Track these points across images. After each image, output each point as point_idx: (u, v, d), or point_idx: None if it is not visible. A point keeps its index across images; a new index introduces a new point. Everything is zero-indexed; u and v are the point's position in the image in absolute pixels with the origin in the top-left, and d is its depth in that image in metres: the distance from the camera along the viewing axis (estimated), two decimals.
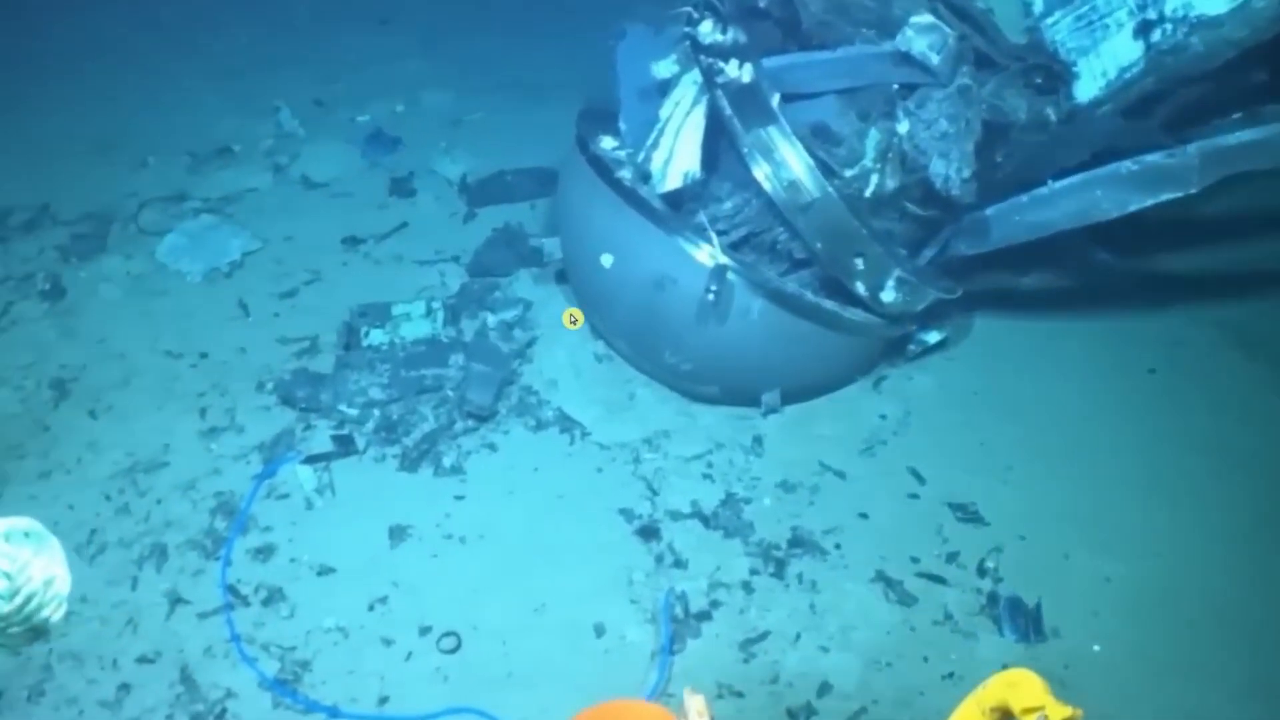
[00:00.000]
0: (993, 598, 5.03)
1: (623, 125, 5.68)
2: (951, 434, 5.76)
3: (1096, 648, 4.91)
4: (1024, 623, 4.95)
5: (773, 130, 4.99)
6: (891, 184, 5.05)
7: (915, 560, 5.20)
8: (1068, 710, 2.92)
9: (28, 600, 2.42)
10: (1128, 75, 5.59)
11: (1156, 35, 5.59)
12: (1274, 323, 6.58)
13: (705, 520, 5.27)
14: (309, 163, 7.08)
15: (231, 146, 7.18)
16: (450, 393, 5.65)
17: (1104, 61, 5.69)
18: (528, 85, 7.83)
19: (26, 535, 2.47)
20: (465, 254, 6.42)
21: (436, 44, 8.30)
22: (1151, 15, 5.60)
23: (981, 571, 5.16)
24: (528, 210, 6.73)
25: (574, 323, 5.80)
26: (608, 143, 5.48)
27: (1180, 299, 6.59)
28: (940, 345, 6.03)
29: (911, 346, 5.88)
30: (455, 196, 6.93)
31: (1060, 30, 5.77)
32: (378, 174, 7.08)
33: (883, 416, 5.78)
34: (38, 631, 2.51)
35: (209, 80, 7.81)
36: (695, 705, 3.62)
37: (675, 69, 5.42)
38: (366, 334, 5.79)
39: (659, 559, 5.09)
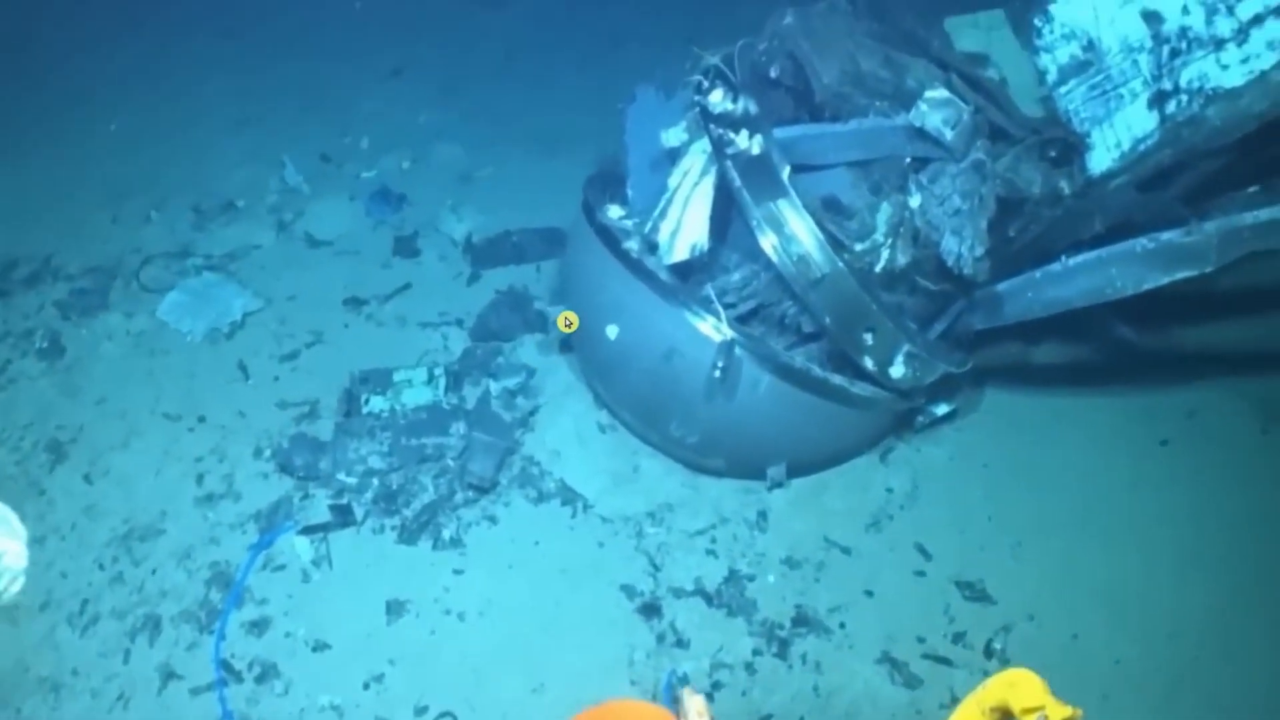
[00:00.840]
0: None
1: (631, 192, 5.60)
2: (960, 508, 5.67)
3: None
4: None
5: (783, 203, 4.92)
6: (903, 259, 4.97)
7: (921, 640, 5.12)
8: (1068, 710, 2.95)
9: None
10: (1142, 147, 5.51)
11: (1172, 106, 5.52)
12: None
13: (708, 598, 5.19)
14: (313, 220, 7.02)
15: (236, 201, 7.13)
16: (451, 462, 5.57)
17: (1118, 132, 5.61)
18: (542, 138, 7.75)
19: None
20: (469, 317, 6.35)
21: (450, 95, 8.24)
22: (1167, 86, 5.53)
23: (989, 653, 5.08)
24: (534, 273, 6.65)
25: (569, 326, 5.60)
26: (615, 211, 5.41)
27: (1190, 370, 6.48)
28: (949, 417, 5.93)
29: (920, 418, 5.78)
30: (460, 257, 6.86)
31: (1074, 99, 5.71)
32: (382, 232, 7.02)
33: (890, 490, 5.69)
34: None
35: (217, 131, 7.76)
36: (695, 705, 3.64)
37: (684, 137, 5.34)
38: (367, 401, 5.72)
39: (660, 638, 5.01)
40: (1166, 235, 4.92)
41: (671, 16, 8.65)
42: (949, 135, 4.88)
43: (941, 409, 5.83)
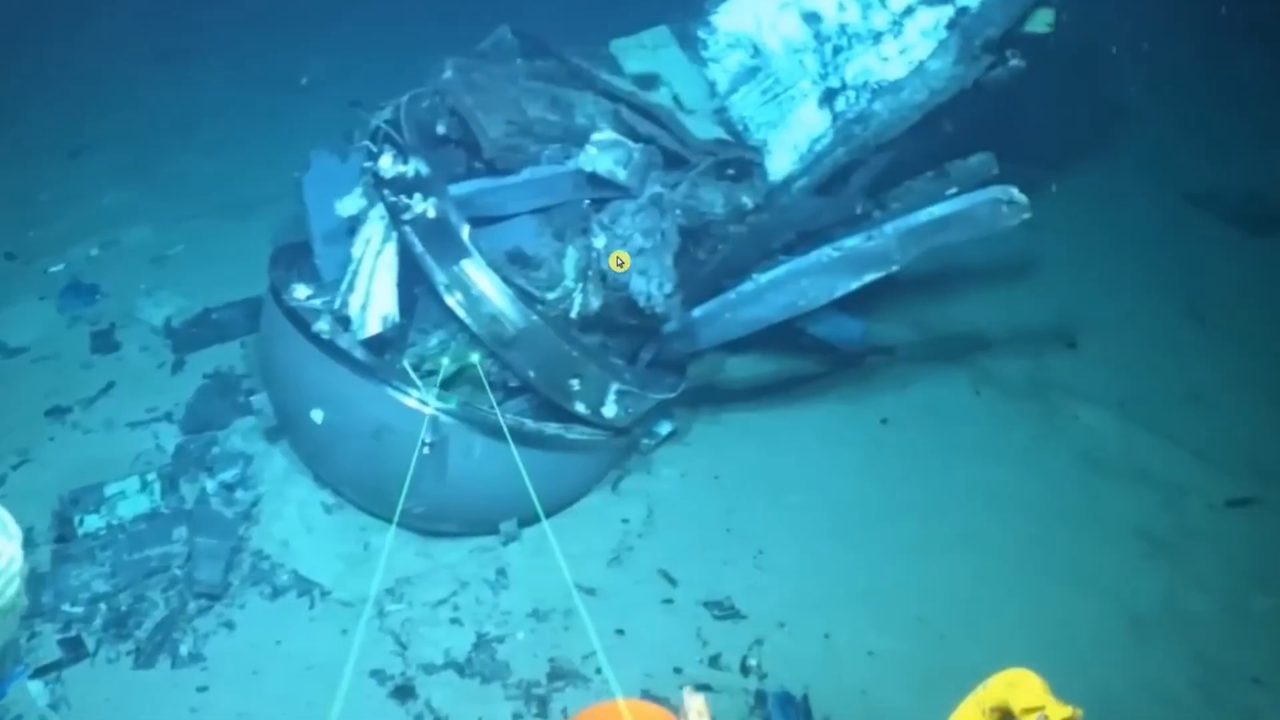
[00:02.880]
0: (760, 697, 4.99)
1: (319, 263, 5.43)
2: (698, 526, 5.71)
3: None
4: (795, 716, 4.88)
5: (467, 264, 4.85)
6: (596, 302, 4.95)
7: (679, 670, 5.12)
8: (1067, 710, 2.95)
9: None
10: (818, 147, 5.63)
11: (841, 104, 5.64)
12: (1000, 359, 6.69)
13: (460, 669, 5.11)
14: (4, 327, 6.62)
15: None
16: (178, 571, 5.34)
17: (794, 134, 5.72)
18: (233, 205, 7.50)
19: None
20: (179, 408, 6.10)
21: (135, 169, 7.90)
22: (834, 84, 5.65)
23: (745, 670, 5.12)
24: (239, 350, 6.39)
25: (620, 265, 5.16)
26: (302, 291, 5.24)
27: (901, 345, 6.76)
28: (674, 434, 5.96)
29: (646, 441, 5.79)
30: (162, 344, 6.54)
31: (748, 105, 5.78)
32: (78, 329, 6.66)
33: (626, 520, 5.70)
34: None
35: None
36: (695, 705, 3.60)
37: (362, 203, 5.20)
38: (81, 522, 5.43)
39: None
40: (850, 242, 5.02)
41: (360, 64, 8.49)
42: (622, 175, 4.87)
43: (665, 428, 5.88)
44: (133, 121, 8.27)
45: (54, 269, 7.12)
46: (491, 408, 5.02)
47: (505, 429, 4.93)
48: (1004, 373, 6.77)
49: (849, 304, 5.80)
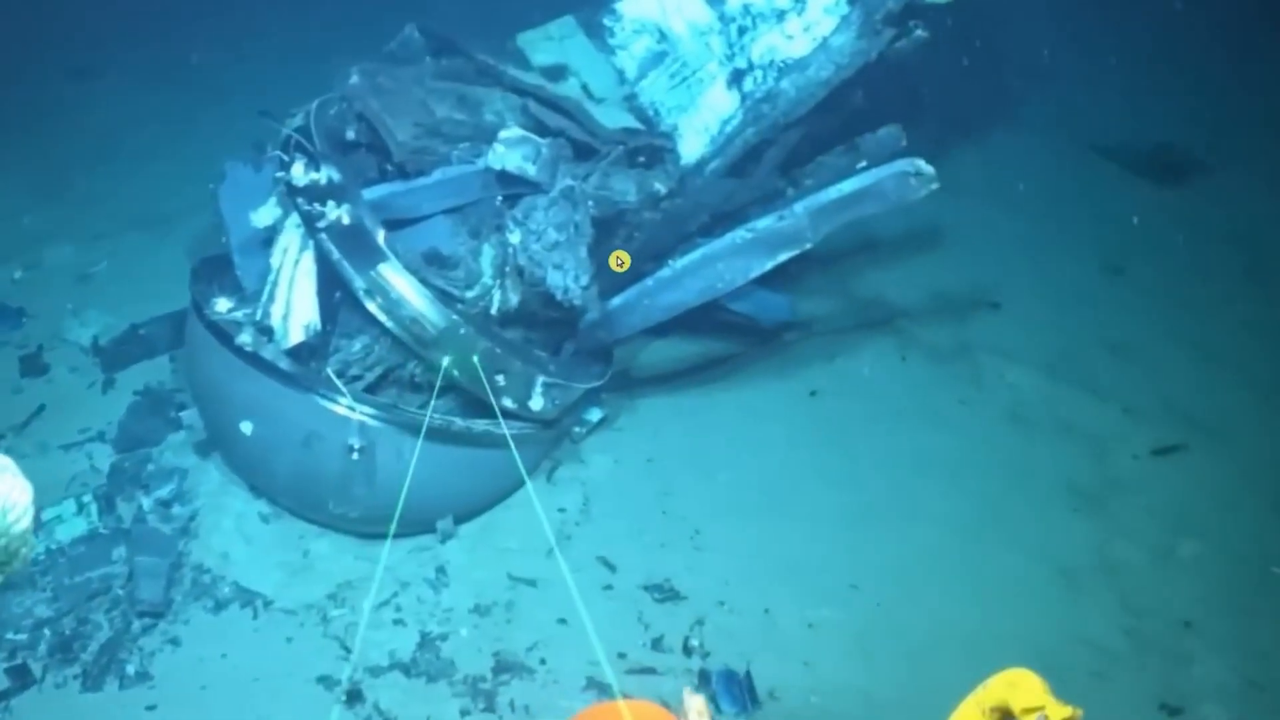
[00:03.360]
0: (704, 676, 5.06)
1: (240, 274, 5.44)
2: (635, 510, 5.78)
3: (814, 699, 4.97)
4: (739, 693, 4.97)
5: (384, 268, 4.88)
6: (515, 298, 5.00)
7: (623, 656, 5.18)
8: (1067, 710, 2.90)
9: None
10: (729, 128, 5.68)
11: (749, 84, 5.70)
12: (925, 325, 6.83)
13: (405, 669, 5.14)
14: None
15: None
16: (120, 591, 5.34)
17: (704, 116, 5.77)
18: (152, 220, 7.44)
19: None
20: (111, 427, 6.07)
21: (53, 188, 7.78)
22: (741, 64, 5.71)
23: (688, 650, 5.20)
24: (168, 364, 6.37)
25: (620, 265, 5.50)
26: (223, 305, 5.25)
27: (828, 315, 6.84)
28: (605, 421, 6.04)
29: (577, 429, 5.85)
30: (91, 363, 6.50)
31: (657, 90, 5.83)
32: (6, 354, 6.58)
33: (562, 510, 5.76)
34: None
35: None
36: (695, 705, 3.55)
37: (277, 213, 5.21)
38: None
39: None
40: (763, 223, 5.09)
41: (274, 69, 8.48)
42: (531, 171, 4.92)
43: (595, 415, 5.94)
44: (47, 140, 8.15)
45: None
46: (419, 408, 5.02)
47: (435, 429, 4.95)
48: (930, 338, 6.89)
49: (773, 280, 5.87)
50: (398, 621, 5.30)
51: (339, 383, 4.91)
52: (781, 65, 5.76)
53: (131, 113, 8.41)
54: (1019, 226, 7.83)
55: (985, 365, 6.75)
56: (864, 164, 5.72)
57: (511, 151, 4.98)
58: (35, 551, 5.08)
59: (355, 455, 4.82)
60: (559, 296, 4.94)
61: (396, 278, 4.87)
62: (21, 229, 7.48)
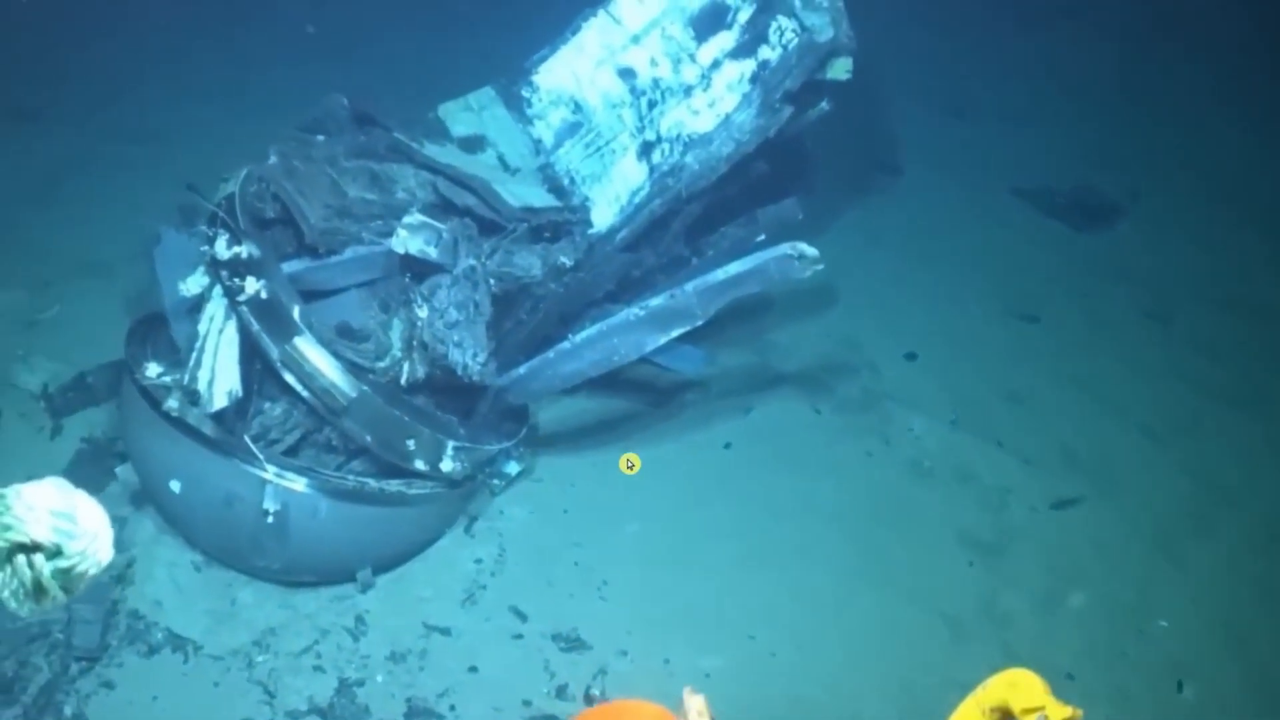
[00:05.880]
0: None
1: (174, 335, 5.74)
2: (547, 560, 6.06)
3: None
4: None
5: (299, 341, 5.20)
6: (422, 370, 5.31)
7: (528, 703, 5.47)
8: (1068, 710, 2.97)
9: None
10: (638, 199, 6.00)
11: (657, 156, 6.02)
12: (839, 375, 7.20)
13: (322, 714, 5.43)
14: None
15: None
16: (60, 635, 5.62)
17: (616, 186, 6.08)
18: (97, 266, 7.59)
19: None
20: (57, 474, 6.27)
21: (1, 233, 7.88)
22: (651, 136, 6.02)
23: (589, 699, 5.47)
24: (114, 411, 6.63)
25: (631, 467, 6.02)
26: (153, 369, 5.55)
27: (743, 371, 7.11)
28: (523, 474, 6.32)
29: (496, 483, 6.13)
30: (40, 410, 6.72)
31: (572, 159, 6.15)
32: None
33: (479, 560, 6.04)
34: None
35: None
36: (695, 705, 3.71)
37: (205, 282, 5.51)
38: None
39: None
40: (654, 302, 5.39)
41: (212, 115, 8.68)
42: (433, 254, 5.23)
43: (513, 468, 6.22)
44: None
45: None
46: (336, 470, 5.35)
47: (348, 490, 5.29)
48: (843, 389, 7.18)
49: (693, 331, 6.15)
50: (317, 668, 5.59)
51: (256, 449, 5.20)
52: (687, 139, 6.07)
53: (80, 152, 8.53)
54: (937, 271, 8.11)
55: (894, 416, 7.02)
56: (762, 237, 6.04)
57: (414, 236, 5.30)
58: None
59: (270, 518, 5.11)
60: (459, 372, 5.25)
61: (310, 350, 5.19)
62: None
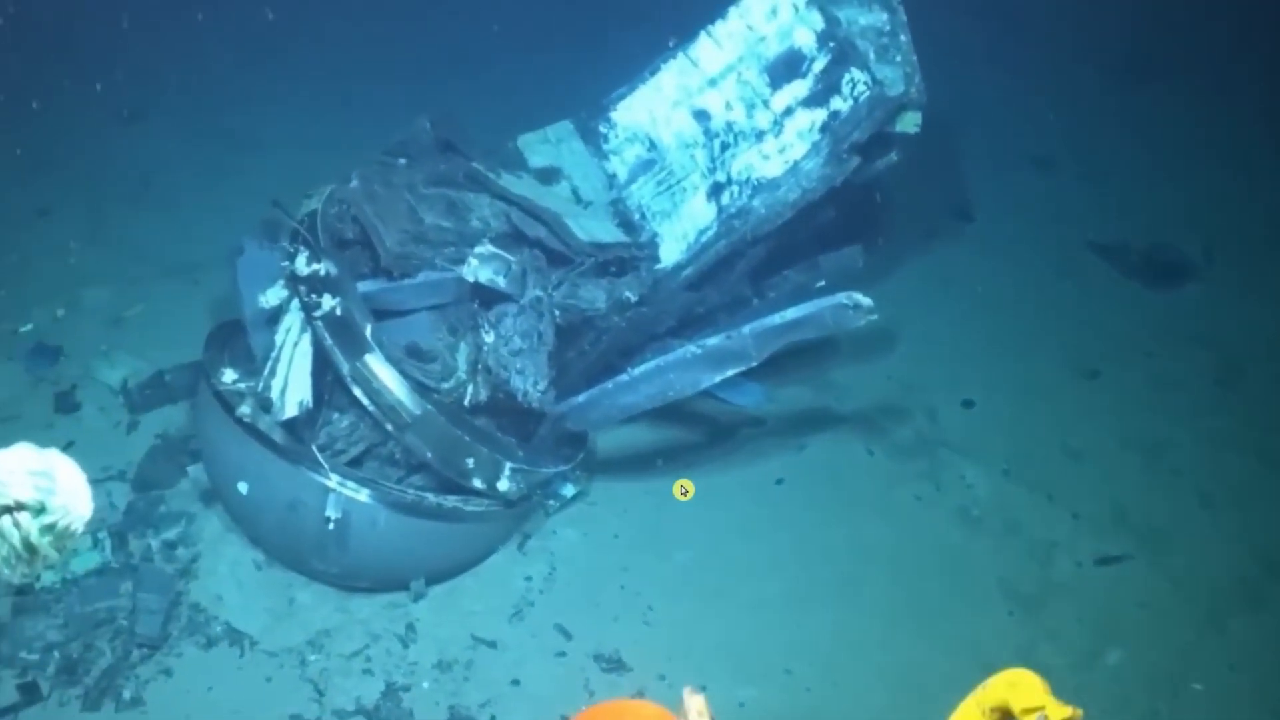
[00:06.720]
0: None
1: (252, 343, 5.99)
2: (595, 582, 6.24)
3: None
4: None
5: (369, 359, 5.41)
6: (485, 393, 5.51)
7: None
8: (1068, 710, 2.98)
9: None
10: (704, 238, 6.16)
11: (726, 198, 6.18)
12: (895, 418, 7.28)
13: (368, 715, 5.64)
14: None
15: None
16: (124, 622, 5.88)
17: (684, 224, 6.25)
18: (183, 268, 7.90)
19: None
20: (131, 467, 6.59)
21: (96, 229, 8.25)
22: (721, 177, 6.19)
23: None
24: (189, 411, 6.89)
25: (684, 494, 6.25)
26: (229, 375, 5.78)
27: (800, 407, 7.23)
28: (578, 497, 6.49)
29: (551, 503, 6.32)
30: (119, 405, 7.02)
31: (644, 195, 6.33)
32: (42, 390, 7.10)
33: (529, 578, 6.22)
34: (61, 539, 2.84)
35: None
36: (695, 705, 3.74)
37: (284, 294, 5.74)
38: (38, 577, 5.98)
39: None
40: (711, 342, 5.54)
41: (311, 125, 9.00)
42: (502, 284, 5.44)
43: (569, 491, 6.40)
44: (94, 180, 8.58)
45: (23, 329, 7.54)
46: (398, 483, 5.57)
47: (407, 503, 5.51)
48: (898, 432, 7.26)
49: (754, 368, 6.28)
50: (366, 671, 5.82)
51: (322, 458, 5.42)
52: (756, 183, 6.22)
53: (174, 154, 8.84)
54: (1002, 323, 8.15)
55: (946, 462, 7.09)
56: (822, 283, 6.17)
57: (485, 266, 5.52)
58: (52, 580, 5.66)
59: (331, 525, 5.33)
60: (519, 398, 5.45)
61: (379, 368, 5.40)
62: (69, 267, 7.95)
